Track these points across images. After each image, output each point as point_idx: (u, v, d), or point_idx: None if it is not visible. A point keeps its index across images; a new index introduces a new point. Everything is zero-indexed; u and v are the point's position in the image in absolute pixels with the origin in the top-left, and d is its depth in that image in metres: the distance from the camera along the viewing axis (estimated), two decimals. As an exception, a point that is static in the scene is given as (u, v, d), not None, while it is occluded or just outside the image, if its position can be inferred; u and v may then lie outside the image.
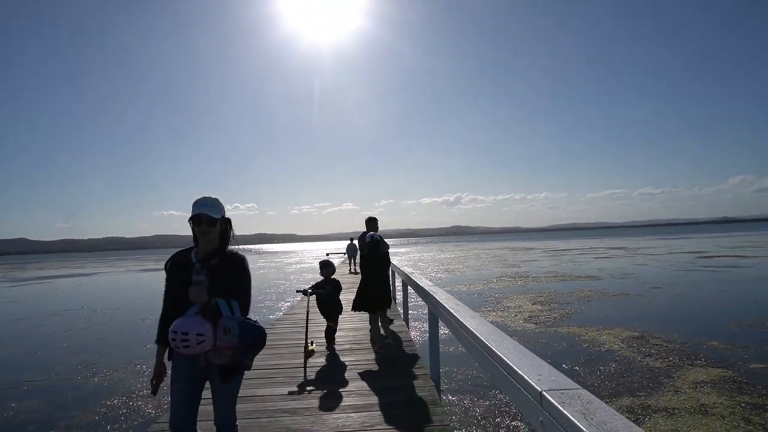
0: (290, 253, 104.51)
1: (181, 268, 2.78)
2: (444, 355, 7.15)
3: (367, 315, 7.28)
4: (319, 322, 7.20)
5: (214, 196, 2.85)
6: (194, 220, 2.77)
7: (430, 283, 5.47)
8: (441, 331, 5.10)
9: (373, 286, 6.69)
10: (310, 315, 6.07)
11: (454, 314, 3.47)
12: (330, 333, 6.75)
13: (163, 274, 2.88)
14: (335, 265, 6.58)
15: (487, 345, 2.49)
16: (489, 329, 2.78)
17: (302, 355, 5.80)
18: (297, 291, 6.62)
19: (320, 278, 6.67)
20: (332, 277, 6.62)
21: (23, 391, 8.69)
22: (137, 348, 11.85)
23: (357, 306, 6.72)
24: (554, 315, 13.67)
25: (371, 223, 7.64)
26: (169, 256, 2.88)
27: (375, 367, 5.71)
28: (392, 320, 8.90)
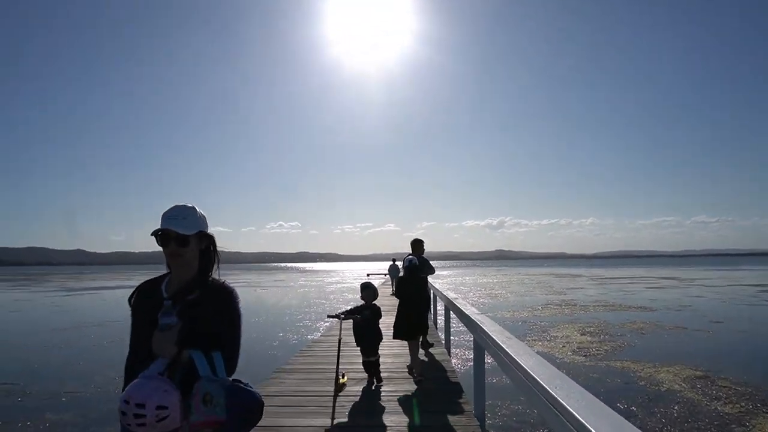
0: (331, 272, 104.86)
1: (149, 299, 2.02)
2: (486, 386, 6.65)
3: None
4: (354, 347, 6.70)
5: (190, 205, 2.07)
6: (159, 237, 1.98)
7: (477, 311, 4.98)
8: (486, 360, 4.62)
9: (412, 311, 6.33)
10: (343, 342, 5.41)
11: (505, 348, 3.05)
12: (371, 367, 5.89)
13: None
14: (377, 286, 6.00)
15: (548, 391, 2.08)
16: (550, 372, 2.36)
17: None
18: (328, 316, 5.41)
19: (360, 302, 6.02)
20: (373, 302, 5.87)
21: (61, 402, 8.70)
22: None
23: (397, 333, 6.34)
24: (605, 347, 12.81)
25: (417, 245, 7.48)
26: (135, 287, 2.11)
27: (414, 400, 5.27)
28: (432, 344, 8.49)
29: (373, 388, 5.79)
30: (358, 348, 5.90)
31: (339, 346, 4.93)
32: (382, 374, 6.10)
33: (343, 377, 4.78)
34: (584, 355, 11.86)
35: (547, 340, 14.07)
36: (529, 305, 24.78)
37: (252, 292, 40.35)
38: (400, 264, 7.69)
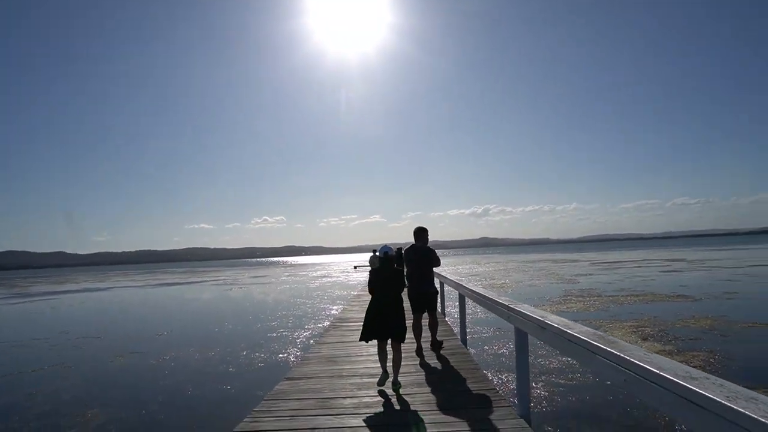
0: (317, 265, 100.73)
1: None
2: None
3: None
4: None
5: None
6: None
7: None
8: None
9: (383, 308, 5.60)
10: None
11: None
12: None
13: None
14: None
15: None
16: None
17: None
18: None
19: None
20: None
21: None
22: (75, 405, 7.79)
23: (365, 334, 5.63)
24: (698, 362, 9.14)
25: (419, 233, 7.45)
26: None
27: None
28: (441, 343, 7.43)
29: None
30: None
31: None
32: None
33: None
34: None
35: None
36: (547, 296, 21.12)
37: (223, 293, 34.91)
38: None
